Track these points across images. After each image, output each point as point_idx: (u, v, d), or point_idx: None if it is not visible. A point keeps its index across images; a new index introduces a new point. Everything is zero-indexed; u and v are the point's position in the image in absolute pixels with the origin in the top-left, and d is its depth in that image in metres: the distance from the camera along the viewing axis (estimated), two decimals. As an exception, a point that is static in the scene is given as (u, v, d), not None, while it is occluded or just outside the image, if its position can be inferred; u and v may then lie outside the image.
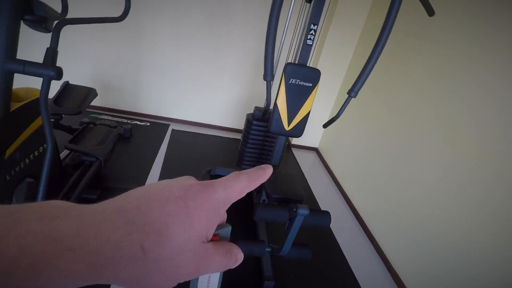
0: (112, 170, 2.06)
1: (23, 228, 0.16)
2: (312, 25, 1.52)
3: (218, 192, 0.22)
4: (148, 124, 2.85)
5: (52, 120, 1.97)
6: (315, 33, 1.55)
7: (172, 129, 2.85)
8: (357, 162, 2.36)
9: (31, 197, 1.29)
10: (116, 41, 2.58)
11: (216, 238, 0.23)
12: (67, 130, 2.08)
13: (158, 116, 2.97)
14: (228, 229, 0.24)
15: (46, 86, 1.15)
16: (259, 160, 2.16)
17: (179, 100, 2.90)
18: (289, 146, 3.07)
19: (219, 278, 0.27)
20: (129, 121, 2.79)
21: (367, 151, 2.26)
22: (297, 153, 3.02)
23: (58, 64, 1.16)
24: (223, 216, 0.24)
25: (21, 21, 1.16)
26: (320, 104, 2.83)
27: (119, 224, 0.19)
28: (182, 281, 0.21)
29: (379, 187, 2.05)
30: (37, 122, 1.31)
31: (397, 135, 1.96)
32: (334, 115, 1.47)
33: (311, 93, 1.58)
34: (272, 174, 0.27)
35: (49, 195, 1.25)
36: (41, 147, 1.34)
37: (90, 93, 2.10)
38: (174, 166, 2.29)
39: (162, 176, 2.13)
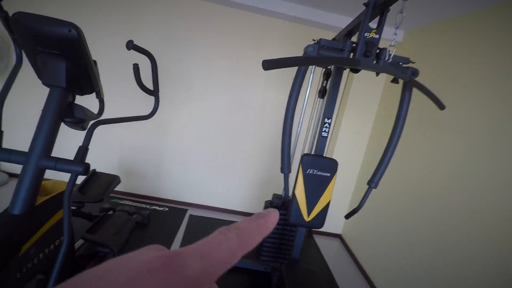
0: (125, 261, 1.97)
1: None
2: (326, 119, 1.59)
3: (190, 268, 0.16)
4: (167, 209, 2.84)
5: (74, 208, 2.02)
6: (329, 125, 1.61)
7: (190, 215, 2.81)
8: (387, 250, 2.16)
9: (38, 295, 1.23)
10: (143, 131, 2.79)
11: None
12: (86, 218, 2.09)
13: (177, 201, 2.98)
14: None
15: (73, 181, 1.20)
16: (278, 251, 2.03)
17: (199, 185, 2.94)
18: (310, 233, 2.90)
19: None
20: (148, 206, 2.80)
21: (396, 239, 2.08)
22: (319, 240, 2.83)
23: (89, 152, 1.25)
24: None
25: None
26: (340, 190, 2.77)
27: None
28: None
29: (414, 279, 1.81)
30: (59, 215, 1.33)
31: (423, 223, 1.82)
32: (354, 201, 1.40)
33: (329, 182, 1.55)
34: (292, 273, 0.19)
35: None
36: (58, 241, 1.33)
37: (114, 180, 2.18)
38: (188, 256, 2.17)
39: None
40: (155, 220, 2.58)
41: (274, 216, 0.19)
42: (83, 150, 1.24)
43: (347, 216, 1.49)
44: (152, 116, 1.54)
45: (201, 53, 2.64)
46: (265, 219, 0.19)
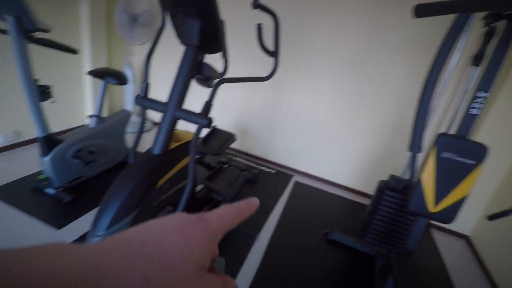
0: (234, 211, 2.17)
1: (25, 266, 0.16)
2: (479, 92, 1.24)
3: (212, 223, 0.24)
4: (274, 171, 2.95)
5: (198, 157, 2.31)
6: (483, 101, 1.25)
7: (295, 181, 2.85)
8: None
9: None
10: (259, 94, 2.88)
11: (211, 270, 0.24)
12: (206, 167, 2.37)
13: (284, 165, 3.05)
14: (222, 262, 0.25)
15: (198, 132, 1.33)
16: (387, 236, 1.84)
17: (307, 152, 2.91)
18: (427, 226, 2.52)
19: None
20: (257, 166, 2.97)
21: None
22: (438, 237, 2.43)
23: (212, 111, 1.35)
24: (217, 249, 0.25)
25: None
26: (478, 182, 2.24)
27: (120, 255, 0.19)
28: None
29: None
30: (186, 160, 1.52)
31: None
32: (497, 200, 1.08)
33: (471, 172, 1.24)
34: (404, 264, 0.17)
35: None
36: (184, 181, 1.55)
37: (231, 138, 2.36)
38: (291, 219, 2.22)
39: (279, 227, 2.09)
40: (263, 180, 2.72)
41: (256, 204, 0.28)
42: (208, 105, 1.35)
43: (492, 218, 1.18)
44: (270, 78, 1.53)
45: (325, 18, 2.44)
46: (252, 204, 0.28)
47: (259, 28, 1.40)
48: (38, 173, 2.10)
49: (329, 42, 2.50)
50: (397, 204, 1.76)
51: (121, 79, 2.01)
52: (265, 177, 2.80)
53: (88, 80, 2.83)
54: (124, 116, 2.31)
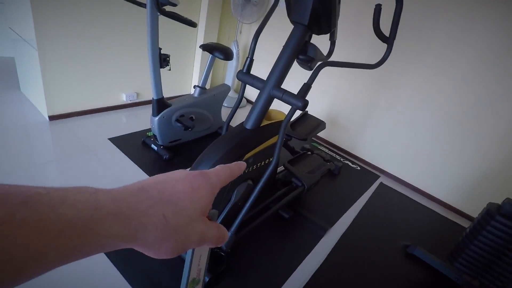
0: (311, 200, 2.15)
1: (73, 199, 0.19)
2: None
3: (212, 178, 0.28)
4: (359, 168, 2.78)
5: (284, 139, 2.33)
6: None
7: (381, 182, 2.63)
8: None
9: (247, 195, 1.55)
10: (358, 84, 2.70)
11: (208, 218, 0.28)
12: (290, 151, 2.38)
13: (371, 163, 2.83)
14: (216, 213, 0.29)
15: (291, 113, 1.33)
16: (484, 268, 1.57)
17: (401, 155, 2.63)
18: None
19: (207, 258, 0.32)
20: (342, 159, 2.84)
21: None
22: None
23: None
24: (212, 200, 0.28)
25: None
26: None
27: (142, 198, 0.23)
28: (188, 248, 0.26)
29: None
30: (273, 139, 1.55)
31: None
32: None
33: None
34: None
35: (258, 199, 1.45)
36: (268, 160, 1.58)
37: (320, 125, 2.30)
38: (368, 222, 2.08)
39: (353, 226, 1.98)
40: (345, 175, 2.59)
41: (243, 166, 0.33)
42: (306, 88, 1.32)
43: None
44: (379, 66, 1.41)
45: (455, 6, 2.08)
46: (241, 166, 0.32)
47: (379, 10, 1.28)
48: (149, 130, 2.45)
49: (459, 32, 2.13)
50: (508, 234, 1.46)
51: (227, 55, 2.13)
52: (348, 172, 2.66)
53: (198, 53, 3.11)
54: (224, 90, 2.48)
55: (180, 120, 2.12)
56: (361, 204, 2.26)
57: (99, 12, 2.20)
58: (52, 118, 2.30)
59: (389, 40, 1.33)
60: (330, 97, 2.93)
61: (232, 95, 3.40)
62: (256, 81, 1.43)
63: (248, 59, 1.46)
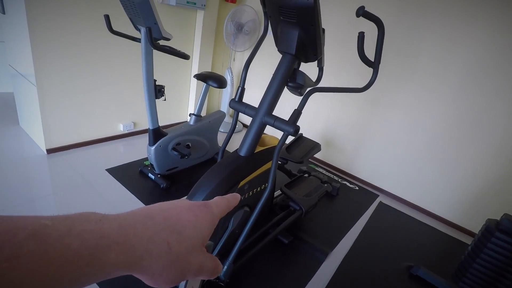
0: (311, 223, 2.13)
1: (79, 228, 0.20)
2: None
3: (214, 209, 0.29)
4: (357, 188, 2.77)
5: (280, 163, 2.35)
6: None
7: (380, 202, 2.61)
8: None
9: (243, 222, 1.54)
10: (351, 105, 2.75)
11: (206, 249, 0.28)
12: (287, 174, 2.39)
13: (369, 183, 2.84)
14: (211, 244, 0.30)
15: (283, 139, 1.36)
16: (489, 286, 1.53)
17: (398, 173, 2.64)
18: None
19: None
20: (339, 180, 2.84)
21: None
22: None
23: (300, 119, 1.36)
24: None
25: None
26: None
27: (148, 225, 0.24)
28: (186, 278, 0.26)
29: None
30: (268, 165, 1.57)
31: None
32: None
33: None
34: None
35: (255, 225, 1.44)
36: (263, 185, 1.59)
37: (315, 147, 2.33)
38: (370, 243, 2.05)
39: (354, 248, 1.95)
40: (343, 195, 2.59)
41: (237, 199, 0.34)
42: (296, 114, 1.36)
43: None
44: (367, 89, 1.45)
45: (444, 21, 2.18)
46: (236, 198, 0.33)
47: (362, 37, 1.34)
48: (146, 159, 2.46)
49: (443, 51, 2.21)
50: (509, 250, 1.45)
51: (220, 83, 2.20)
52: (347, 192, 2.66)
53: (193, 82, 3.19)
54: (219, 117, 2.52)
55: (176, 148, 2.14)
56: (362, 224, 2.24)
57: (95, 45, 2.29)
58: (50, 151, 2.33)
59: (374, 65, 1.39)
60: (323, 119, 2.98)
61: (228, 120, 3.46)
62: (248, 109, 1.47)
63: (240, 88, 1.50)
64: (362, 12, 1.22)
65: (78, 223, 0.21)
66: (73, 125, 2.41)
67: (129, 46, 2.32)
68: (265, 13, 1.43)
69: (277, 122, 1.37)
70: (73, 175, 2.16)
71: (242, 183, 1.43)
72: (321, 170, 2.96)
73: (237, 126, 3.49)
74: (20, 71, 2.29)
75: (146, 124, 2.95)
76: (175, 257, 0.24)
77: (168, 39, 1.67)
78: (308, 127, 3.02)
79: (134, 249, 0.22)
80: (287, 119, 1.36)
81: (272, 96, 1.42)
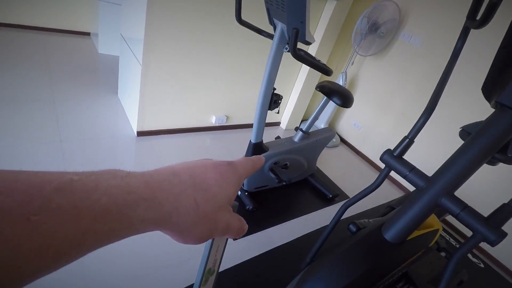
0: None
1: (106, 184, 0.19)
2: None
3: (239, 169, 0.28)
4: (482, 266, 2.09)
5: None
6: None
7: None
8: None
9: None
10: None
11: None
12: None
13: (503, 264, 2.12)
14: (237, 204, 0.30)
15: (470, 245, 0.85)
16: None
17: None
18: None
19: (223, 249, 0.32)
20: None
21: None
22: None
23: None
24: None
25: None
26: None
27: (175, 183, 0.23)
28: (214, 236, 0.26)
29: None
30: (415, 255, 1.08)
31: None
32: None
33: None
34: None
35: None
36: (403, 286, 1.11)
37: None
38: None
39: None
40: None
41: (263, 160, 0.32)
42: (507, 210, 0.83)
43: None
44: None
45: None
46: (261, 159, 0.32)
47: None
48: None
49: None
50: None
51: (346, 102, 1.72)
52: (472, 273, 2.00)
53: (298, 83, 2.74)
54: (328, 136, 2.07)
55: (274, 170, 1.77)
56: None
57: (211, 33, 1.99)
58: (140, 134, 2.17)
59: None
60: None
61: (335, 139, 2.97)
62: (413, 174, 0.97)
63: (408, 139, 1.01)
64: None
65: (105, 179, 0.19)
66: (167, 111, 2.20)
67: (248, 37, 1.97)
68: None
69: (466, 214, 0.86)
70: (155, 161, 2.00)
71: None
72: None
73: (334, 140, 2.99)
74: (130, 45, 2.12)
75: (239, 118, 2.65)
76: (203, 214, 0.23)
77: (309, 44, 1.24)
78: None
79: (161, 205, 0.21)
80: (485, 216, 0.84)
81: (463, 167, 0.91)
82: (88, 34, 3.63)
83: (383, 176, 1.11)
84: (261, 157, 0.32)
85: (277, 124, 3.04)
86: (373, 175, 2.76)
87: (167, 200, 0.21)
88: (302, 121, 3.08)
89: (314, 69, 1.26)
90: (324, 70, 1.18)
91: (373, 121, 2.84)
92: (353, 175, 2.71)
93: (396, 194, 2.61)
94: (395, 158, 1.04)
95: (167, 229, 0.22)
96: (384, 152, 1.07)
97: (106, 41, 3.18)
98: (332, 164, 2.67)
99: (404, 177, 1.01)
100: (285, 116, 2.95)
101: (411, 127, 1.03)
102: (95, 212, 0.18)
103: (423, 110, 1.01)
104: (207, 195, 0.24)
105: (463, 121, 1.13)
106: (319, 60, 1.27)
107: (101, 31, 3.14)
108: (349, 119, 3.04)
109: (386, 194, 2.50)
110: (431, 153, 2.38)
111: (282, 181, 1.75)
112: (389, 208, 1.36)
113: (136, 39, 1.93)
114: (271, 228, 1.79)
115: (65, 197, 0.17)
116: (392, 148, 1.06)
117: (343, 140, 3.12)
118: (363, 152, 2.96)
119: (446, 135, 2.31)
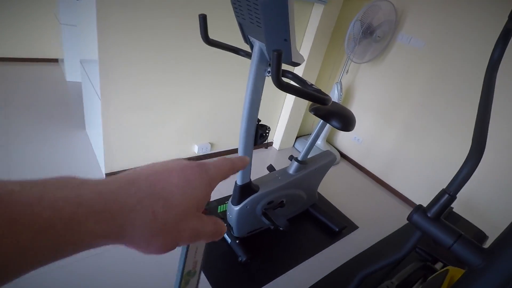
0: None
1: (52, 196, 0.17)
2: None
3: (210, 171, 0.26)
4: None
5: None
6: None
7: None
8: None
9: None
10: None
11: (205, 212, 0.26)
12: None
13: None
14: (211, 204, 0.27)
15: None
16: None
17: None
18: None
19: (204, 250, 0.30)
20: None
21: None
22: None
23: None
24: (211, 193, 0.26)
25: None
26: None
27: (131, 193, 0.21)
28: (181, 245, 0.24)
29: None
30: None
31: None
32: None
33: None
34: None
35: None
36: None
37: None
38: None
39: None
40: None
41: (247, 161, 0.30)
42: None
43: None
44: None
45: None
46: (245, 160, 0.29)
47: None
48: (220, 201, 1.85)
49: None
50: None
51: (348, 125, 1.42)
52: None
53: (289, 101, 2.45)
54: (329, 161, 1.77)
55: (268, 215, 1.46)
56: None
57: (173, 50, 1.69)
58: (109, 175, 1.85)
59: None
60: None
61: (322, 147, 2.67)
62: (463, 246, 0.68)
63: (447, 195, 0.72)
64: None
65: (52, 190, 0.18)
66: (141, 145, 1.89)
67: (226, 52, 1.68)
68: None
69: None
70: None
71: None
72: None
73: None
74: (88, 72, 1.82)
75: (226, 144, 2.35)
76: (162, 225, 0.21)
77: (298, 65, 0.95)
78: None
79: (113, 218, 0.19)
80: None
81: None
82: (56, 60, 3.32)
83: (414, 242, 0.82)
84: (245, 157, 0.30)
85: (269, 144, 2.74)
86: (379, 193, 2.47)
87: (120, 212, 0.20)
88: (297, 137, 2.79)
89: (306, 99, 0.96)
90: (320, 99, 0.89)
91: (375, 134, 2.56)
92: (358, 195, 2.41)
93: (403, 209, 2.31)
94: (430, 220, 0.74)
95: (121, 242, 0.21)
96: (413, 209, 0.78)
97: (72, 67, 2.86)
98: (334, 185, 2.37)
99: (448, 248, 0.71)
100: (278, 135, 2.65)
101: (449, 176, 0.74)
102: (37, 226, 0.16)
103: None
104: (167, 204, 0.22)
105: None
106: (311, 84, 0.98)
107: (66, 57, 2.83)
108: (348, 133, 2.75)
109: (393, 211, 2.20)
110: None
111: (278, 227, 1.44)
112: None
113: (93, 66, 1.63)
114: (270, 283, 1.48)
115: (2, 211, 0.15)
116: (424, 205, 0.77)
117: (343, 156, 2.83)
118: (366, 168, 2.66)
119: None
